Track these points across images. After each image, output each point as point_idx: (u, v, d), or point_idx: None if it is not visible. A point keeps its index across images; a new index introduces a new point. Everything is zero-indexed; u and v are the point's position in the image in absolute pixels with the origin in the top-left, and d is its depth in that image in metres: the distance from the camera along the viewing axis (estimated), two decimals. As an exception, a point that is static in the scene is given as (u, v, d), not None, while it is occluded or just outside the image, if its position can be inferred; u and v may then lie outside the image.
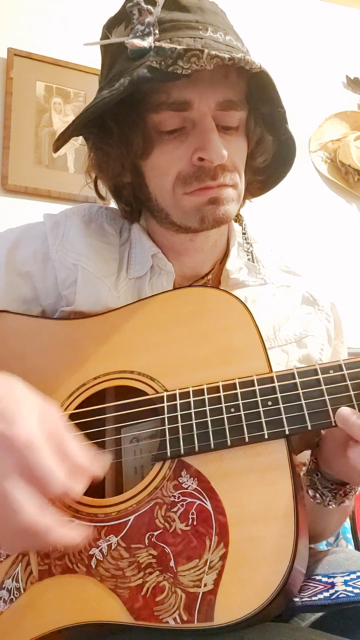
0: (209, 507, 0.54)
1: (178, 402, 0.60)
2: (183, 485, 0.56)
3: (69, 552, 0.56)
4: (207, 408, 0.59)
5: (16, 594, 0.55)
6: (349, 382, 0.56)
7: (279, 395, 0.57)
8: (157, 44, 0.61)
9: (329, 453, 0.62)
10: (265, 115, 0.71)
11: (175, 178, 0.68)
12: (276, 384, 0.58)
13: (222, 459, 0.56)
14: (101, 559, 0.55)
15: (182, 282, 0.78)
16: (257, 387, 0.58)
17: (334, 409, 0.55)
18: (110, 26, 0.69)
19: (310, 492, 0.66)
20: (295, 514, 0.51)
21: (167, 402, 0.60)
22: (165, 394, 0.61)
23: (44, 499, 0.47)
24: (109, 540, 0.55)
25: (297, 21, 2.25)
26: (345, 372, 0.57)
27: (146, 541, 0.54)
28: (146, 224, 0.79)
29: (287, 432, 0.55)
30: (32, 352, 0.71)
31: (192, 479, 0.56)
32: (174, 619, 0.49)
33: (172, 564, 0.52)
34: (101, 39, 0.70)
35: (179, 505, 0.55)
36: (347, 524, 1.13)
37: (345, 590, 0.53)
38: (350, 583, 0.55)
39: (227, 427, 0.57)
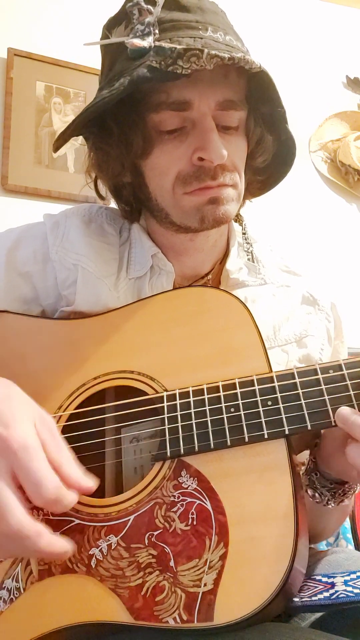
0: (209, 507, 0.54)
1: (178, 402, 0.60)
2: (183, 485, 0.56)
3: (56, 562, 0.55)
4: (207, 408, 0.59)
5: (16, 594, 0.55)
6: (348, 382, 0.56)
7: (278, 395, 0.57)
8: (157, 43, 0.61)
9: (328, 452, 0.63)
10: (265, 115, 0.71)
11: (175, 178, 0.68)
12: (276, 383, 0.58)
13: (222, 458, 0.56)
14: (101, 559, 0.55)
15: (182, 282, 0.78)
16: (256, 387, 0.58)
17: (333, 408, 0.55)
18: (110, 26, 0.69)
19: (309, 492, 0.66)
20: (295, 514, 0.51)
21: (167, 402, 0.60)
22: (165, 393, 0.61)
23: (34, 504, 0.47)
24: (109, 540, 0.55)
25: (297, 21, 2.25)
26: (345, 372, 0.57)
27: (146, 541, 0.54)
28: (146, 224, 0.79)
29: (286, 432, 0.55)
30: (32, 352, 0.71)
31: (192, 478, 0.56)
32: (174, 619, 0.49)
33: (172, 563, 0.52)
34: (101, 39, 0.70)
35: (178, 505, 0.55)
36: (347, 524, 1.13)
37: (345, 590, 0.53)
38: (350, 583, 0.55)
39: (226, 427, 0.57)
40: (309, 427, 0.55)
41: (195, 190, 0.67)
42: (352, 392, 0.56)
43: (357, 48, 2.33)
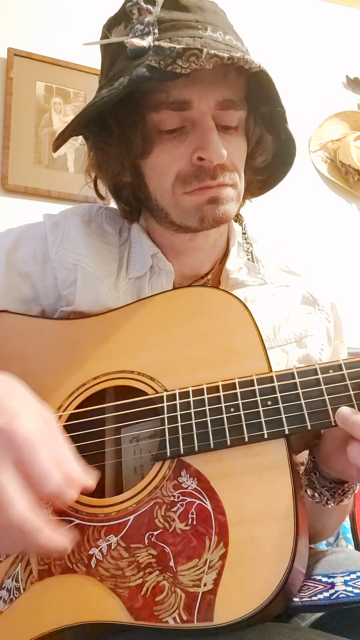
0: (209, 506, 0.54)
1: (178, 402, 0.60)
2: (183, 485, 0.56)
3: (58, 557, 0.55)
4: (207, 408, 0.59)
5: (16, 593, 0.55)
6: (348, 382, 0.56)
7: (278, 395, 0.57)
8: (156, 43, 0.61)
9: (328, 451, 0.62)
10: (264, 114, 0.70)
11: (174, 177, 0.68)
12: (276, 383, 0.58)
13: (221, 458, 0.56)
14: (101, 559, 0.54)
15: (181, 282, 0.78)
16: (256, 387, 0.58)
17: (333, 408, 0.55)
18: (110, 26, 0.69)
19: (308, 492, 0.66)
20: (295, 514, 0.51)
21: (166, 402, 0.60)
22: (165, 393, 0.61)
23: (37, 498, 0.47)
24: (109, 540, 0.55)
25: (297, 21, 2.25)
26: (345, 371, 0.57)
27: (146, 541, 0.54)
28: (146, 224, 0.79)
29: (286, 432, 0.55)
30: (32, 352, 0.71)
31: (191, 478, 0.56)
32: (174, 619, 0.49)
33: (171, 563, 0.52)
34: (101, 39, 0.70)
35: (178, 505, 0.55)
36: (347, 524, 1.13)
37: (345, 590, 0.53)
38: (350, 583, 0.55)
39: (226, 426, 0.57)
40: (309, 427, 0.55)
41: (195, 190, 0.67)
42: (352, 392, 0.56)
43: (357, 48, 2.33)
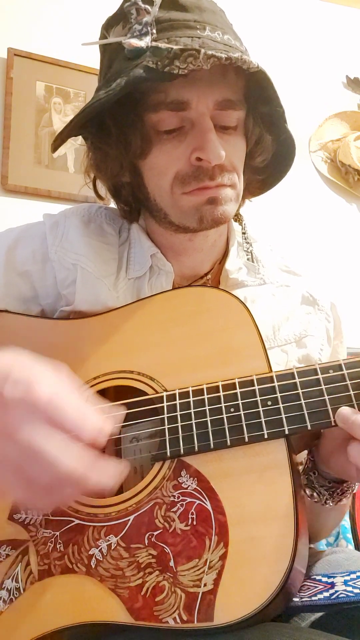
0: (209, 507, 0.54)
1: (177, 402, 0.60)
2: (183, 485, 0.56)
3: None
4: (207, 408, 0.59)
5: (16, 594, 0.55)
6: (348, 382, 0.56)
7: (278, 395, 0.57)
8: (154, 44, 0.61)
9: (328, 451, 0.62)
10: (264, 114, 0.70)
11: (173, 178, 0.68)
12: (276, 383, 0.58)
13: (221, 458, 0.56)
14: (101, 559, 0.54)
15: (181, 282, 0.78)
16: (256, 387, 0.58)
17: (333, 408, 0.55)
18: (108, 26, 0.69)
19: (307, 491, 0.66)
20: (295, 514, 0.51)
21: (166, 402, 0.60)
22: (164, 393, 0.61)
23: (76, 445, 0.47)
24: (109, 540, 0.55)
25: (297, 21, 2.25)
26: (345, 371, 0.57)
27: (146, 541, 0.54)
28: (145, 224, 0.79)
29: (286, 432, 0.55)
30: (31, 351, 0.71)
31: (191, 478, 0.56)
32: (174, 619, 0.49)
33: (171, 563, 0.52)
34: (99, 39, 0.70)
35: (178, 505, 0.55)
36: (347, 524, 1.13)
37: (345, 590, 0.54)
38: (350, 583, 0.55)
39: (226, 426, 0.57)
40: (309, 427, 0.55)
41: (193, 190, 0.67)
42: (352, 392, 0.56)
43: (357, 48, 2.33)
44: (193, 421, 0.58)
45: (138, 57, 0.62)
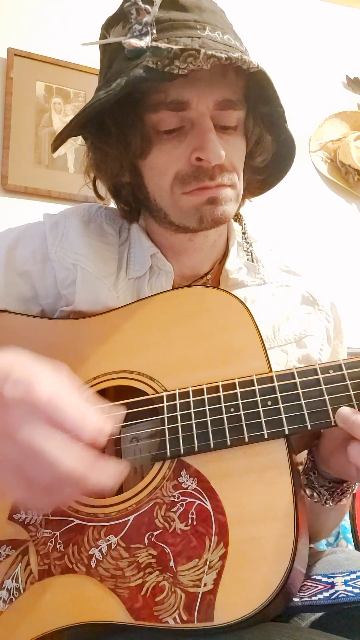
0: (209, 507, 0.54)
1: (177, 402, 0.60)
2: (183, 485, 0.56)
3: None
4: (207, 408, 0.59)
5: (16, 594, 0.55)
6: (348, 382, 0.56)
7: (278, 395, 0.57)
8: (154, 44, 0.61)
9: (328, 451, 0.62)
10: (264, 114, 0.70)
11: (173, 178, 0.68)
12: (276, 383, 0.58)
13: (221, 458, 0.56)
14: (101, 559, 0.54)
15: (181, 282, 0.78)
16: (256, 387, 0.58)
17: (333, 408, 0.55)
18: (108, 26, 0.69)
19: (307, 491, 0.66)
20: (295, 514, 0.51)
21: (166, 402, 0.60)
22: (164, 393, 0.61)
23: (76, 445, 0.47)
24: (109, 540, 0.55)
25: (297, 21, 2.25)
26: (345, 371, 0.57)
27: (146, 541, 0.54)
28: (145, 224, 0.79)
29: (286, 432, 0.55)
30: (31, 351, 0.71)
31: (191, 478, 0.56)
32: (174, 619, 0.49)
33: (171, 563, 0.52)
34: (99, 39, 0.70)
35: (178, 505, 0.55)
36: (347, 524, 1.13)
37: (345, 590, 0.54)
38: (350, 583, 0.55)
39: (226, 426, 0.57)
40: (309, 427, 0.55)
41: (193, 190, 0.67)
42: (352, 392, 0.56)
43: (357, 48, 2.33)
44: (193, 421, 0.58)
45: (138, 57, 0.62)
